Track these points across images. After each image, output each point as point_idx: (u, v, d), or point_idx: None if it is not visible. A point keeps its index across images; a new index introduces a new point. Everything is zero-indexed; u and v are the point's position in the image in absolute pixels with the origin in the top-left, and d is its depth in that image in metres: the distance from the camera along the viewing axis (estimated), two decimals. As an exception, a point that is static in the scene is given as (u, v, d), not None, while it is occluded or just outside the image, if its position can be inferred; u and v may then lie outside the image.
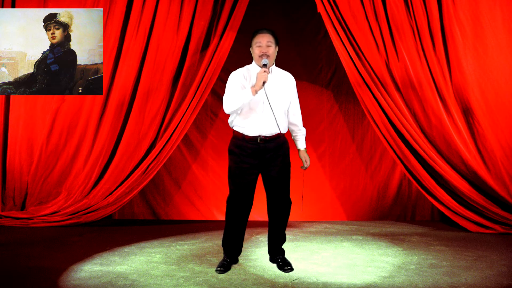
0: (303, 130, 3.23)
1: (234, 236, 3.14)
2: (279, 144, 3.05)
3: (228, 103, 2.97)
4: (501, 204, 4.27)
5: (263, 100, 2.98)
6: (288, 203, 3.15)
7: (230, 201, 3.08)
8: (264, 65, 2.93)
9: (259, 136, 2.99)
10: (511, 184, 4.28)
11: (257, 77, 2.91)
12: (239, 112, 3.02)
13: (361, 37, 4.43)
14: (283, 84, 3.08)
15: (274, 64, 3.11)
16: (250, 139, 2.99)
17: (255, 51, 3.01)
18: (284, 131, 3.09)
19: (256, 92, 2.90)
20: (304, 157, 3.20)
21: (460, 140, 4.33)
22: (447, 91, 4.37)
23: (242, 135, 3.01)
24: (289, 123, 3.18)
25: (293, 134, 3.23)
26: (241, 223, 3.11)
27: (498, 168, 4.29)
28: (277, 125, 2.99)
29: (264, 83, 2.88)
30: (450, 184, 4.35)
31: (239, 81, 3.02)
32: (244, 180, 3.02)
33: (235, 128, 3.07)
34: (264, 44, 2.98)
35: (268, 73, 2.91)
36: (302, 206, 3.26)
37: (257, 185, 3.13)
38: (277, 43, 3.06)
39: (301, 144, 3.22)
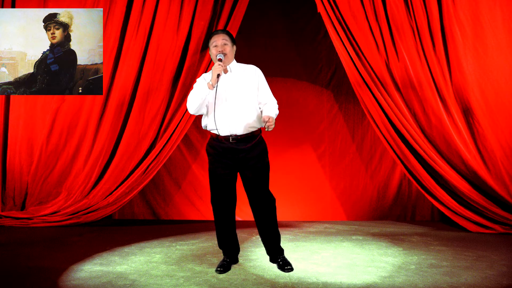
0: (273, 102, 3.09)
1: (226, 236, 3.15)
2: (253, 144, 3.02)
3: (189, 102, 3.02)
4: (501, 204, 4.27)
5: (225, 98, 3.00)
6: (269, 200, 3.09)
7: (212, 202, 3.11)
8: (219, 60, 2.97)
9: (231, 135, 3.00)
10: (511, 184, 4.28)
11: (212, 71, 2.95)
12: (204, 112, 3.05)
13: (361, 37, 4.44)
14: (244, 79, 3.08)
15: (235, 61, 3.13)
16: (224, 138, 3.01)
17: (212, 51, 3.05)
18: (254, 125, 3.03)
19: (212, 86, 2.93)
20: (266, 116, 2.92)
21: (460, 140, 4.33)
22: (447, 91, 4.37)
23: (216, 135, 3.04)
24: (262, 105, 3.12)
25: (263, 107, 3.10)
26: (229, 221, 3.11)
27: (498, 168, 4.29)
28: (239, 123, 2.96)
29: (218, 75, 2.92)
30: (450, 184, 4.35)
31: (200, 83, 3.06)
32: (220, 179, 3.04)
33: (208, 129, 3.09)
34: (219, 43, 3.03)
35: (222, 66, 2.94)
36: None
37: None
38: (234, 42, 3.11)
39: (266, 111, 3.04)
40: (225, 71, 3.04)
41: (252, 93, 3.08)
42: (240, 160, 3.02)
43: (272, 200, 3.12)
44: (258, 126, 3.06)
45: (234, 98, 3.01)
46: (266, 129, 2.93)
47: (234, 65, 3.11)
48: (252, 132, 3.03)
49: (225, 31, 3.12)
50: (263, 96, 3.12)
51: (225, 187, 3.05)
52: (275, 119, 3.03)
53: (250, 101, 3.06)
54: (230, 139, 3.00)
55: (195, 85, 3.09)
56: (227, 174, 3.03)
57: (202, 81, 3.07)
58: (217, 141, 3.03)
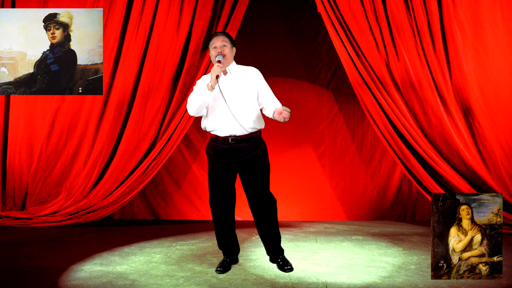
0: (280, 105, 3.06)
1: (225, 236, 3.15)
2: (253, 144, 3.02)
3: (189, 104, 3.04)
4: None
5: (225, 99, 2.99)
6: (269, 201, 3.09)
7: (210, 202, 3.11)
8: (219, 62, 2.97)
9: (230, 136, 3.00)
10: (511, 184, 4.28)
11: (210, 72, 2.95)
12: (204, 113, 3.06)
13: (361, 37, 4.43)
14: (243, 80, 3.07)
15: (235, 63, 3.13)
16: (223, 139, 3.02)
17: (212, 53, 3.07)
18: (254, 126, 3.02)
19: (212, 87, 2.93)
20: (282, 109, 2.90)
21: (460, 140, 4.34)
22: (447, 91, 4.37)
23: (216, 136, 3.04)
24: (270, 111, 3.07)
25: (272, 111, 3.04)
26: (227, 222, 3.12)
27: (498, 168, 4.29)
28: (239, 124, 2.96)
29: (217, 76, 2.92)
30: (450, 184, 4.35)
31: (200, 85, 3.07)
32: (219, 180, 3.04)
33: (208, 131, 3.10)
34: (219, 45, 3.04)
35: (221, 67, 2.93)
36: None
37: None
38: (233, 44, 3.12)
39: (277, 105, 3.02)
40: (225, 73, 3.05)
41: (252, 94, 3.07)
42: (240, 161, 3.02)
43: (273, 201, 3.12)
44: (258, 127, 3.06)
45: (234, 99, 3.00)
46: (283, 120, 2.90)
47: (233, 67, 3.12)
48: (252, 133, 3.03)
49: (224, 33, 3.14)
50: (266, 98, 3.10)
51: (223, 188, 3.05)
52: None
53: (250, 102, 3.05)
54: (230, 139, 3.00)
55: (195, 87, 3.10)
56: (226, 175, 3.04)
57: (202, 83, 3.08)
58: (217, 141, 3.04)
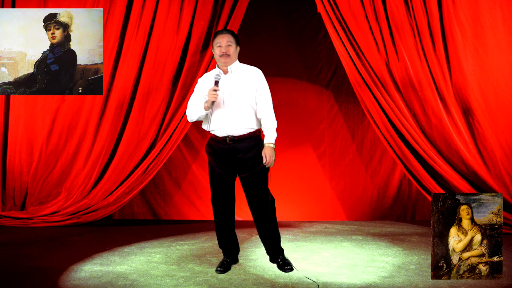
0: (271, 124, 3.01)
1: (225, 235, 3.16)
2: (251, 144, 3.01)
3: (188, 113, 3.14)
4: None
5: (223, 100, 3.01)
6: (268, 201, 3.07)
7: (212, 201, 3.13)
8: (216, 83, 2.96)
9: (228, 136, 3.00)
10: (511, 184, 4.28)
11: (208, 95, 2.98)
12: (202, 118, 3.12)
13: (361, 37, 4.44)
14: (244, 82, 3.05)
15: (238, 61, 3.11)
16: (221, 139, 3.02)
17: (216, 51, 3.04)
18: (252, 126, 3.02)
19: (208, 108, 2.99)
20: (264, 153, 2.95)
21: (460, 140, 4.34)
22: (447, 91, 4.37)
23: (215, 136, 3.05)
24: (258, 117, 3.07)
25: (262, 127, 3.08)
26: (228, 221, 3.13)
27: (498, 168, 4.29)
28: (236, 124, 2.97)
29: (213, 102, 2.95)
30: (450, 184, 4.35)
31: (199, 90, 3.14)
32: (218, 180, 3.06)
33: (207, 130, 3.10)
34: (224, 44, 3.01)
35: (217, 95, 2.92)
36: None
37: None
38: (238, 43, 3.09)
39: (266, 138, 3.02)
40: (225, 72, 3.05)
41: (250, 95, 3.04)
42: (238, 160, 3.02)
43: (271, 200, 3.12)
44: (256, 127, 3.05)
45: (232, 100, 3.01)
46: (266, 166, 2.97)
47: (235, 66, 3.09)
48: (250, 133, 3.02)
49: (230, 31, 3.10)
50: (260, 101, 3.04)
51: (223, 187, 3.06)
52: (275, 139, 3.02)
53: (248, 103, 3.03)
54: (227, 140, 3.00)
55: (194, 92, 3.17)
56: (225, 174, 3.04)
57: (202, 85, 3.12)
58: (215, 141, 3.05)
